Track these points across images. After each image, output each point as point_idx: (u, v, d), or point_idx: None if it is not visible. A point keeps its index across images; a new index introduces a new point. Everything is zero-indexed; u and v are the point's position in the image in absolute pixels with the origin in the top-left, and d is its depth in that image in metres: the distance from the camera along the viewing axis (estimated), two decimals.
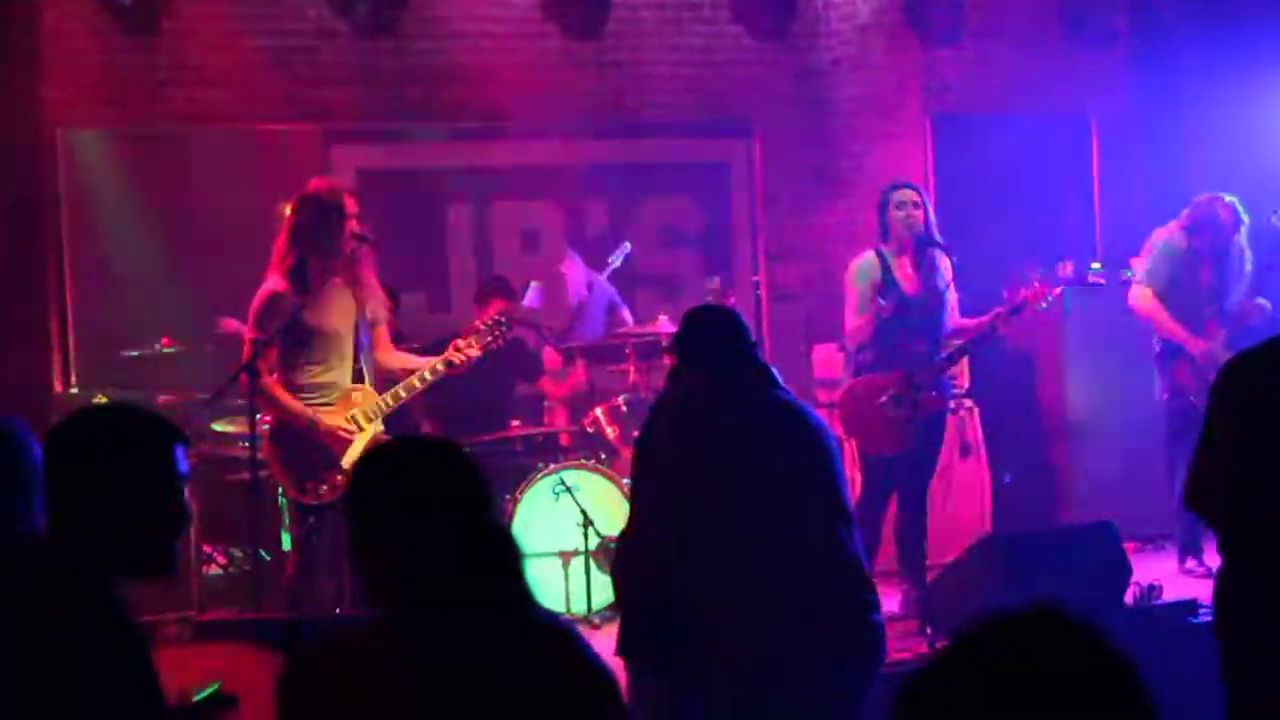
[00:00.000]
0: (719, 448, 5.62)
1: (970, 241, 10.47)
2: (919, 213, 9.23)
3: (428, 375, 8.23)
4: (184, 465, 3.80)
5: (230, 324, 9.80)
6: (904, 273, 9.26)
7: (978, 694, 2.07)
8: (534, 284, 12.35)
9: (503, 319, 8.60)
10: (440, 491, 3.44)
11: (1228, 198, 9.97)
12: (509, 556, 3.46)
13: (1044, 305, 9.47)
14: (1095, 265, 11.73)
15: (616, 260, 12.23)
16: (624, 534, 5.83)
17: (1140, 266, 10.30)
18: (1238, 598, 5.21)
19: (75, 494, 3.70)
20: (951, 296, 9.36)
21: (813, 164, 12.16)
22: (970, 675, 2.09)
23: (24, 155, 10.48)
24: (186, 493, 3.80)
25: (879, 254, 9.31)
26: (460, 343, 8.31)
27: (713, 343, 5.82)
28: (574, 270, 12.45)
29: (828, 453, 5.67)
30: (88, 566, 3.64)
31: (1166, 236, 10.16)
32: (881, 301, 9.12)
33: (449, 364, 8.24)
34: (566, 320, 12.10)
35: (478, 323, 8.62)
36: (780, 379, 5.88)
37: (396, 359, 8.37)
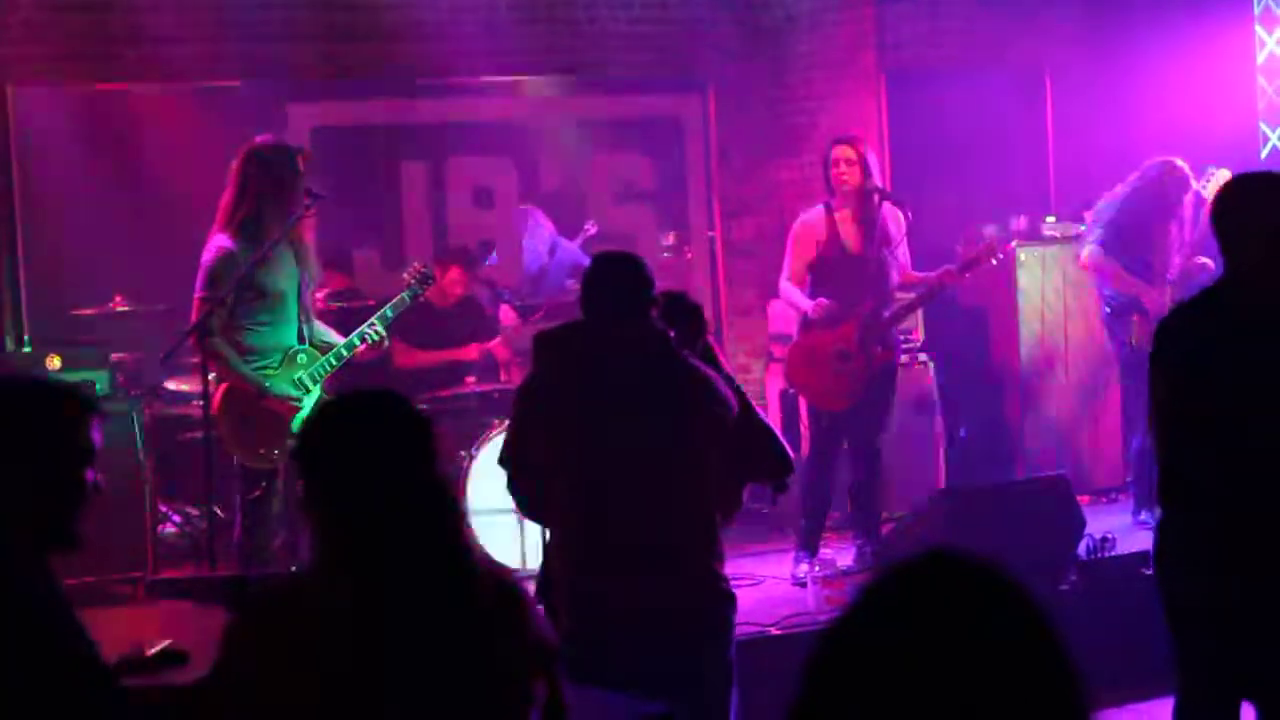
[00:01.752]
0: (577, 391, 5.60)
1: (925, 196, 10.49)
2: (854, 169, 9.21)
3: (344, 352, 8.23)
4: (96, 437, 3.79)
5: None
6: (848, 228, 9.27)
7: (877, 645, 2.07)
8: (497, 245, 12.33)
9: (425, 270, 8.66)
10: (381, 448, 3.48)
11: (1177, 161, 10.02)
12: (444, 512, 3.49)
13: (995, 261, 9.52)
14: (1049, 219, 11.76)
15: (590, 229, 12.26)
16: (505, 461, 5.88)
17: (1091, 228, 10.36)
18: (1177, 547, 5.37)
19: None
20: (901, 251, 9.37)
21: (767, 119, 12.16)
22: (868, 628, 2.09)
23: None
24: (90, 467, 3.79)
25: (826, 208, 9.35)
26: (377, 317, 8.32)
27: (602, 289, 5.77)
28: (536, 232, 12.43)
29: (696, 415, 5.55)
30: None
31: (1115, 199, 10.22)
32: (814, 302, 9.17)
33: (362, 339, 8.24)
34: (524, 284, 12.09)
35: (405, 275, 8.67)
36: (667, 336, 5.73)
37: (320, 331, 8.35)
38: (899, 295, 9.48)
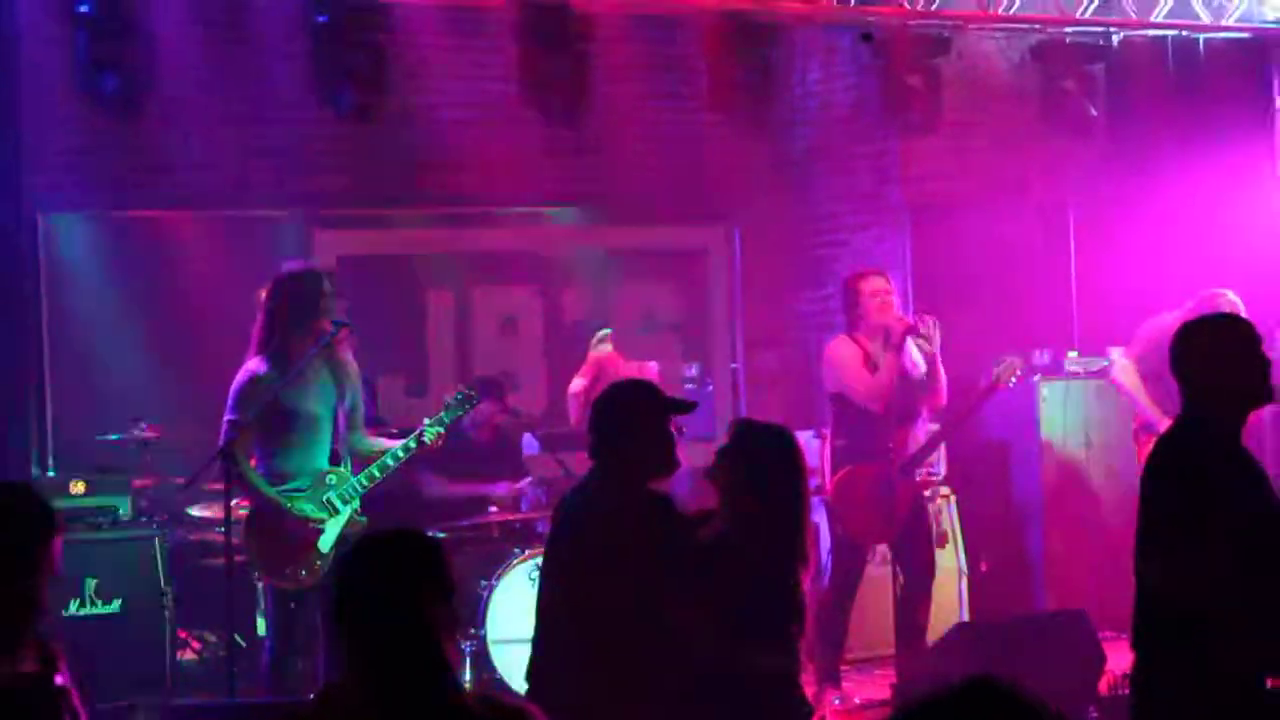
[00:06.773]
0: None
1: (948, 329, 10.50)
2: (893, 300, 9.34)
3: (400, 454, 8.27)
4: (56, 556, 3.80)
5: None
6: (879, 361, 9.32)
7: None
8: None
9: (472, 392, 8.69)
10: (397, 590, 3.60)
11: (1230, 294, 10.02)
12: (440, 651, 3.54)
13: (1013, 382, 9.56)
14: (1072, 354, 11.76)
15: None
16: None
17: (1133, 348, 10.34)
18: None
19: None
20: (923, 382, 9.42)
21: (792, 251, 12.21)
22: None
23: (4, 239, 10.48)
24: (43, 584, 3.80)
25: (851, 338, 9.40)
26: (429, 420, 8.39)
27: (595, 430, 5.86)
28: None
29: (611, 558, 5.69)
30: None
31: (1164, 325, 10.21)
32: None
33: (419, 442, 8.29)
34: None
35: (446, 398, 8.70)
36: (624, 471, 5.89)
37: (370, 442, 8.41)
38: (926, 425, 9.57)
